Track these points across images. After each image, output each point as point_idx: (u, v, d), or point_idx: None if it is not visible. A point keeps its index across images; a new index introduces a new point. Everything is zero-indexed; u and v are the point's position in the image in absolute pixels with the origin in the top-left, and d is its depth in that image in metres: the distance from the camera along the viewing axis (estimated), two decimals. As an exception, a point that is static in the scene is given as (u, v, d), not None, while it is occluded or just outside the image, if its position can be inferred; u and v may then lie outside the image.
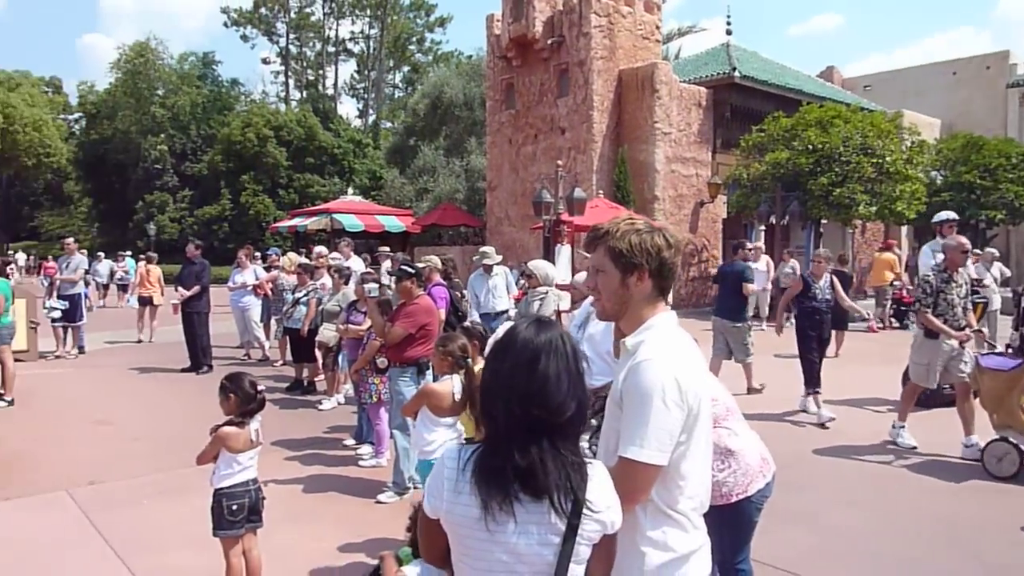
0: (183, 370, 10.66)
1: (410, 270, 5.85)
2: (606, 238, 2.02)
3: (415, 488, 5.60)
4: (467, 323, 5.93)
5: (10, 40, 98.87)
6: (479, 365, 4.52)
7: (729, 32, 23.29)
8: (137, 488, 5.82)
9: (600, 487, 1.62)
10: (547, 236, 13.44)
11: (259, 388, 3.65)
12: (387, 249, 13.40)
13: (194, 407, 8.56)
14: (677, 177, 19.59)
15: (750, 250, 11.66)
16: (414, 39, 57.93)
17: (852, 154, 16.59)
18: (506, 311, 8.73)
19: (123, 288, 22.66)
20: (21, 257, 39.31)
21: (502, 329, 1.68)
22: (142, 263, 15.06)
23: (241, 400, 3.58)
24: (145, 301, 13.86)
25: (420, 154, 32.93)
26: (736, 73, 19.77)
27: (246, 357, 11.86)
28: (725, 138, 20.54)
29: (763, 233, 18.52)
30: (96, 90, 48.62)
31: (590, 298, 3.96)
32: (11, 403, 8.46)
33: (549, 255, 12.30)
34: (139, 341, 13.69)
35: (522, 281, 9.48)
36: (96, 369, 11.05)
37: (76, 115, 51.95)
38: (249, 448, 3.61)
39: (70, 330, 11.98)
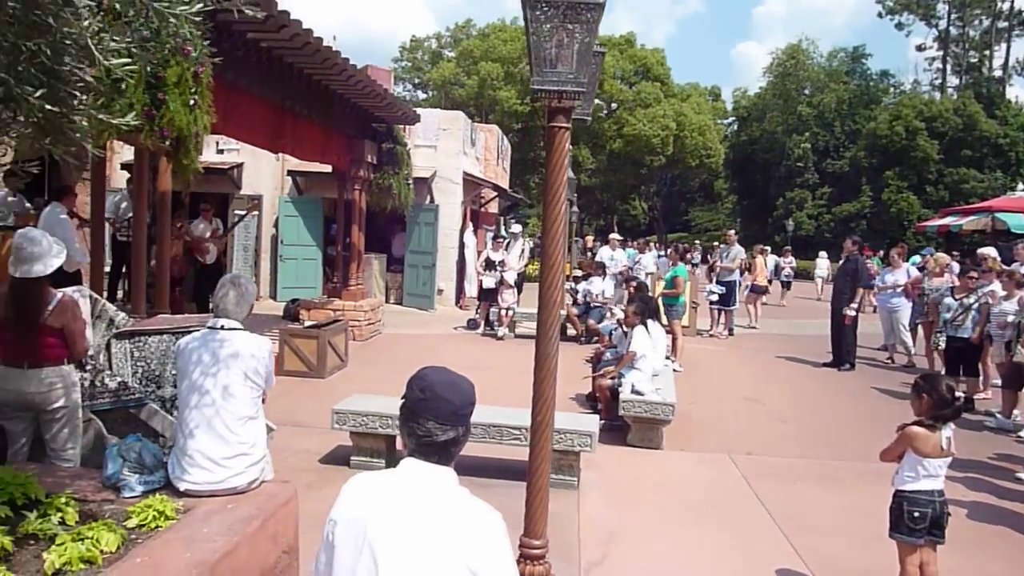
0: (824, 364, 10.78)
1: None
2: None
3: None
4: None
5: (683, 57, 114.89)
6: None
7: None
8: (788, 467, 6.12)
9: None
10: None
11: (956, 395, 3.40)
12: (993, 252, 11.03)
13: (837, 403, 8.64)
14: None
15: None
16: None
17: None
18: None
19: (786, 285, 22.21)
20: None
21: None
22: (759, 256, 15.70)
23: (935, 403, 3.39)
24: (759, 290, 14.65)
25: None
26: None
27: (889, 361, 11.35)
28: None
29: None
30: (748, 95, 52.66)
31: None
32: (679, 370, 9.85)
33: None
34: (752, 327, 14.41)
35: None
36: (742, 351, 12.05)
37: (729, 119, 57.25)
38: (939, 455, 3.40)
39: (723, 313, 13.31)
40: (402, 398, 1.92)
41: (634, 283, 9.94)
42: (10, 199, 8.60)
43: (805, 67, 46.83)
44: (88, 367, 4.24)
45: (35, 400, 3.81)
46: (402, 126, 12.42)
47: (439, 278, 15.19)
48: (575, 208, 26.16)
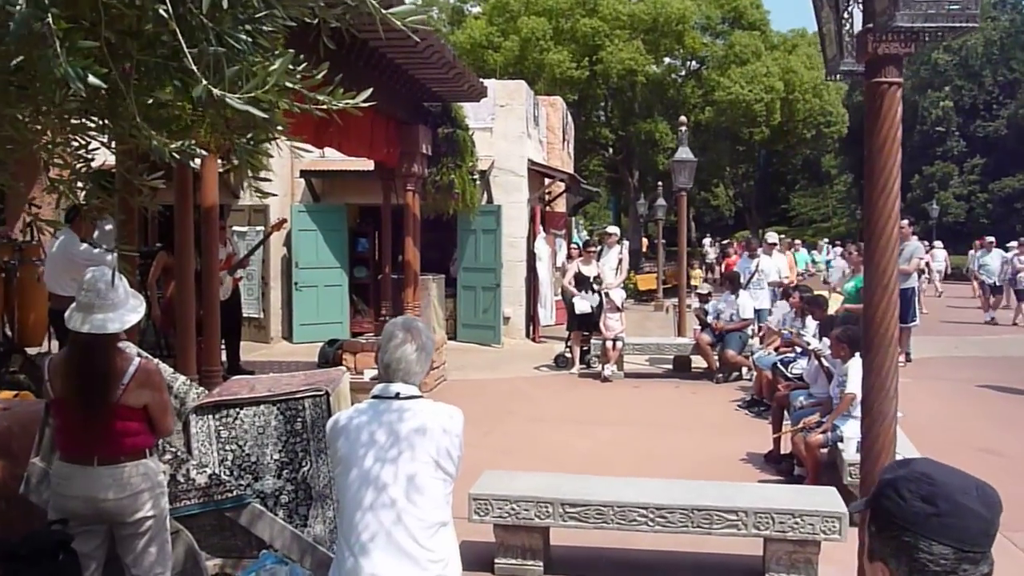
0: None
1: None
2: None
3: None
4: None
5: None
6: None
7: None
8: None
9: None
10: None
11: None
12: None
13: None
14: None
15: None
16: None
17: None
18: None
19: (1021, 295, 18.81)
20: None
21: None
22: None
23: None
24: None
25: None
26: None
27: None
28: None
29: None
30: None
31: None
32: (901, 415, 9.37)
33: None
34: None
35: None
36: (938, 382, 11.53)
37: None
38: None
39: (898, 331, 12.71)
40: (867, 504, 1.61)
41: (798, 296, 9.55)
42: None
43: (938, 2, 46.05)
44: (167, 456, 3.97)
45: (111, 509, 3.54)
46: (459, 104, 12.11)
47: (505, 302, 14.85)
48: (660, 202, 25.94)
